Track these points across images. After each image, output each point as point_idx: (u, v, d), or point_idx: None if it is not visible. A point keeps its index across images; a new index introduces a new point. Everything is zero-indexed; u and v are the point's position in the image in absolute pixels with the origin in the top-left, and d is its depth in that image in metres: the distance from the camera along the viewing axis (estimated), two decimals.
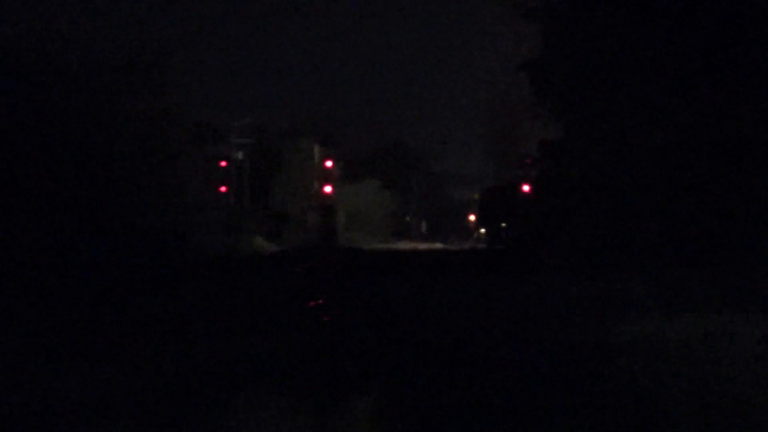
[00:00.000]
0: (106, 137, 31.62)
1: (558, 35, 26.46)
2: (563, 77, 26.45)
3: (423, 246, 62.78)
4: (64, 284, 19.24)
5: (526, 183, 43.52)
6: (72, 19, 34.54)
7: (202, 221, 41.12)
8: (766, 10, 20.70)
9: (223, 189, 54.04)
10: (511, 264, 26.88)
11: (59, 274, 21.41)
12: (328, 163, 65.63)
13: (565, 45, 26.07)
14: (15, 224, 26.14)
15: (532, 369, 8.67)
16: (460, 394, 7.81)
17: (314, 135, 68.52)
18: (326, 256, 36.01)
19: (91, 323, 12.58)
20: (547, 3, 27.15)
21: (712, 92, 21.04)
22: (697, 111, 21.07)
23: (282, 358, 9.44)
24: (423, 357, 9.41)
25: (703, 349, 9.49)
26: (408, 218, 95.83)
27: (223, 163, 54.77)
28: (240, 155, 57.52)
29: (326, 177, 64.56)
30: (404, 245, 65.59)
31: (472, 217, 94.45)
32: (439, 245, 67.55)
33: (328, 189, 63.08)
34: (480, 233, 78.33)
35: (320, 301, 15.75)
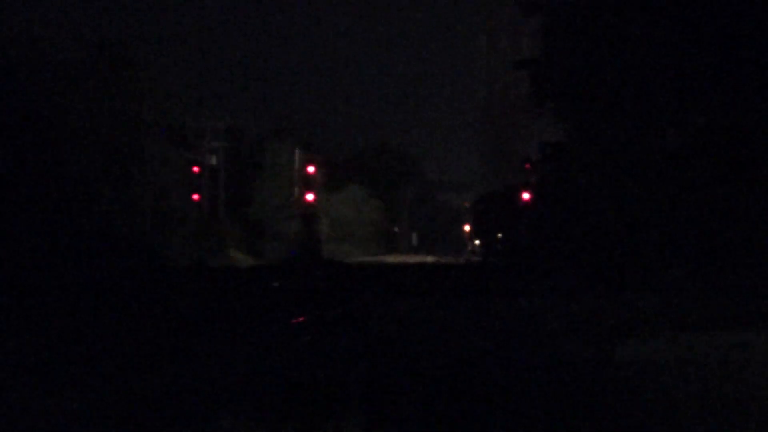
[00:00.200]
0: (63, 141, 31.45)
1: (560, 30, 26.46)
2: (566, 75, 26.43)
3: (413, 260, 62.69)
4: (8, 305, 18.80)
5: (525, 190, 43.52)
6: (27, 10, 34.44)
7: (172, 231, 40.94)
8: None
9: (195, 197, 53.90)
10: (510, 278, 26.76)
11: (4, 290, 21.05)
12: (310, 169, 65.58)
13: (568, 40, 26.06)
14: None
15: (533, 400, 8.58)
16: (450, 425, 7.73)
17: (295, 138, 68.48)
18: (308, 271, 35.83)
19: (37, 349, 12.35)
20: None
21: (731, 85, 20.99)
22: (713, 109, 21.05)
23: (258, 384, 9.35)
24: (409, 383, 9.33)
25: (719, 375, 9.40)
26: (397, 229, 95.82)
27: (196, 169, 54.65)
28: (214, 160, 57.49)
29: (308, 183, 64.50)
30: (393, 258, 65.49)
31: (467, 228, 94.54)
32: (430, 258, 67.50)
33: (310, 197, 63.04)
34: (475, 245, 78.40)
35: (301, 319, 15.65)
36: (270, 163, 65.52)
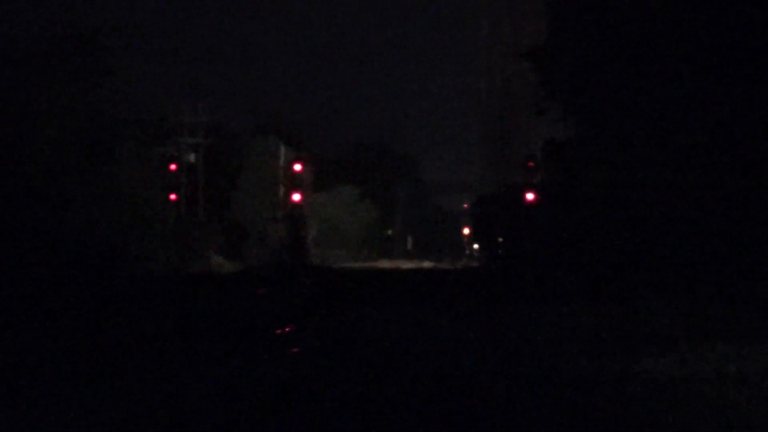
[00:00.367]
0: (20, 133, 30.93)
1: (568, 15, 26.16)
2: (574, 66, 26.19)
3: (407, 265, 62.40)
4: None
5: (529, 190, 43.05)
6: None
7: (144, 235, 40.53)
8: None
9: (173, 197, 53.45)
10: (513, 286, 26.53)
11: None
12: (297, 167, 65.03)
13: (576, 27, 25.76)
14: None
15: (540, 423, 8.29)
16: None
17: (281, 134, 68.14)
18: (294, 278, 35.50)
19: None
20: None
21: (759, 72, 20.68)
22: (739, 100, 20.68)
23: (245, 398, 9.07)
24: (400, 399, 9.06)
25: (737, 392, 9.18)
26: (390, 232, 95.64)
27: (173, 167, 54.20)
28: (192, 157, 57.03)
29: (294, 183, 64.01)
30: (386, 264, 65.21)
31: (466, 231, 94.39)
32: (427, 264, 67.25)
33: (296, 197, 62.53)
34: (474, 249, 78.11)
35: (287, 329, 15.48)
36: (254, 160, 65.18)
